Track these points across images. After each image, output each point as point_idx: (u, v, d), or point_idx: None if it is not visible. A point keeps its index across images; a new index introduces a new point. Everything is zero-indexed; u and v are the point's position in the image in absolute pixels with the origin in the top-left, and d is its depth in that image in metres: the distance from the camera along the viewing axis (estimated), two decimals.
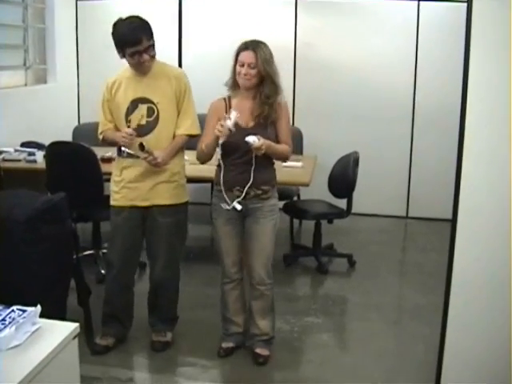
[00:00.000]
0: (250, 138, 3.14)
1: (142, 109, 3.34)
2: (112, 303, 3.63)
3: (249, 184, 3.28)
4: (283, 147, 3.36)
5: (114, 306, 3.63)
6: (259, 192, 3.34)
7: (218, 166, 3.38)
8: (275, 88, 3.29)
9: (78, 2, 6.56)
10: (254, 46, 3.25)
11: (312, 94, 6.36)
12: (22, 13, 5.94)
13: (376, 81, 6.18)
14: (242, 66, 3.24)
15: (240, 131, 3.19)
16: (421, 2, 6.01)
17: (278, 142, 3.34)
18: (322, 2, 6.21)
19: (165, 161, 3.39)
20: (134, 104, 3.36)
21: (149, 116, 3.34)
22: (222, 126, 3.13)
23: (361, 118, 6.30)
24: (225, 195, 3.32)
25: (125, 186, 3.47)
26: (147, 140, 3.35)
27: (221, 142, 3.16)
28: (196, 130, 3.48)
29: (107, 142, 3.53)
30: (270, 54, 3.29)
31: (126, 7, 6.32)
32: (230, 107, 3.34)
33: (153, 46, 3.30)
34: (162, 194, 3.46)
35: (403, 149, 6.33)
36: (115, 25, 3.28)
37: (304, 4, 6.26)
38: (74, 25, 6.46)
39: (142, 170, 3.42)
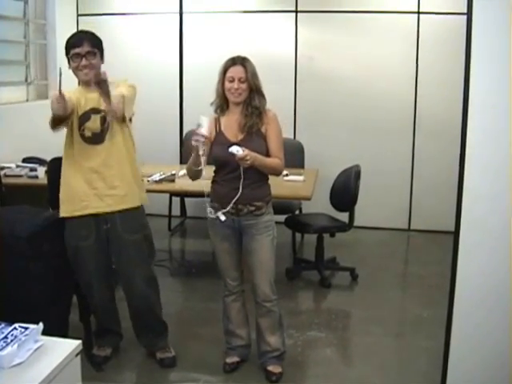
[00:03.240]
0: (234, 149, 3.10)
1: (96, 118, 3.34)
2: (102, 318, 3.66)
3: (236, 197, 3.23)
4: (273, 161, 3.30)
5: (104, 319, 3.66)
6: (252, 208, 3.29)
7: (212, 182, 3.38)
8: (263, 99, 3.31)
9: (79, 18, 6.60)
10: (241, 60, 3.29)
11: (313, 107, 6.38)
12: (23, 29, 5.97)
13: (377, 93, 6.20)
14: (232, 81, 3.25)
15: (228, 145, 3.16)
16: (421, 15, 6.04)
17: (268, 155, 3.30)
18: (322, 14, 6.23)
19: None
20: (87, 115, 3.35)
21: (102, 124, 3.34)
22: (195, 134, 3.07)
23: (362, 131, 6.30)
24: (208, 205, 3.31)
25: None
26: (102, 147, 3.33)
27: (201, 153, 3.10)
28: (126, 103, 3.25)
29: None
30: (255, 67, 3.32)
31: (127, 23, 6.43)
32: (220, 125, 3.33)
33: (94, 54, 3.31)
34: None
35: (405, 161, 6.32)
36: None
37: (304, 17, 6.29)
38: None
39: None
